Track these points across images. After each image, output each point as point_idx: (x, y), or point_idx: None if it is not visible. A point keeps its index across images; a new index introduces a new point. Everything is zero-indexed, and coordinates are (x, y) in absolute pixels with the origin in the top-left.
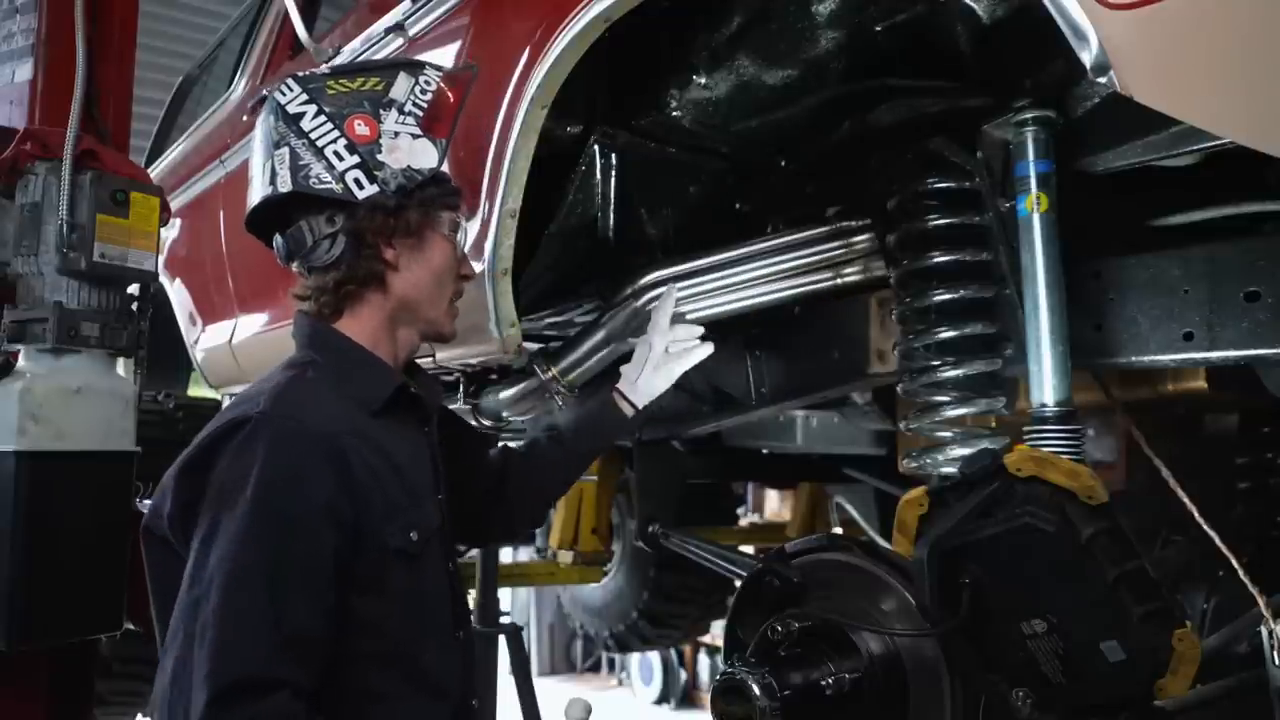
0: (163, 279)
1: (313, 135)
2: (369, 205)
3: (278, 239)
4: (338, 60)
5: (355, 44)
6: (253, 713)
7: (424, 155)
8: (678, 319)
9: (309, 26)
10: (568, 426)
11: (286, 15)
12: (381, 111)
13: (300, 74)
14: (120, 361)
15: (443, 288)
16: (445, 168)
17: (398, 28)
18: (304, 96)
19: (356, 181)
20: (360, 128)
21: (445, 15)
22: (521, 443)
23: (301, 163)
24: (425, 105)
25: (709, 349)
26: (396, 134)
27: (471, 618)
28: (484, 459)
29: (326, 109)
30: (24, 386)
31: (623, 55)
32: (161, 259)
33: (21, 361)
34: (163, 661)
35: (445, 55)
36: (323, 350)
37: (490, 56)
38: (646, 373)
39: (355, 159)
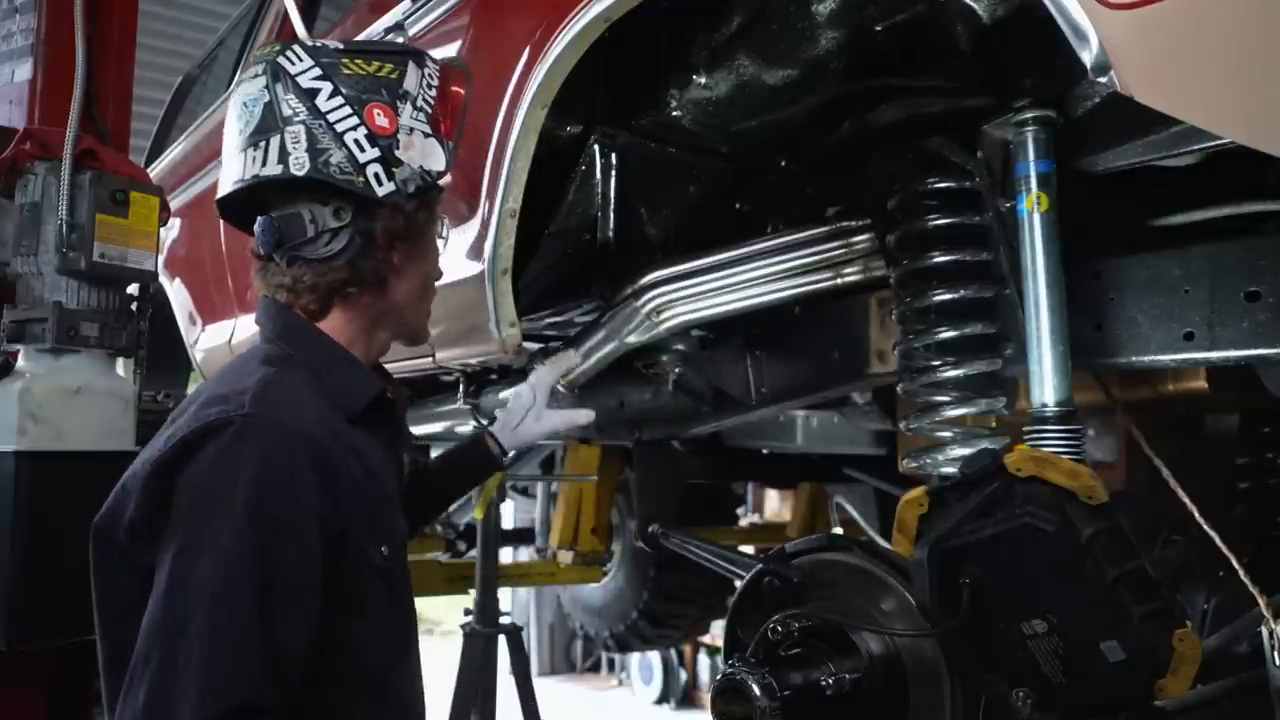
0: (162, 279)
1: (330, 117)
2: (389, 205)
3: (264, 223)
4: None
5: None
6: None
7: (435, 157)
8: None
9: (309, 26)
10: (436, 463)
11: (286, 15)
12: (398, 103)
13: (309, 44)
14: (120, 361)
15: (429, 292)
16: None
17: (397, 27)
18: (317, 70)
19: (377, 177)
20: (380, 119)
21: (445, 15)
22: None
23: (320, 146)
24: (433, 101)
25: (590, 415)
26: (411, 130)
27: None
28: None
29: (344, 90)
30: (24, 386)
31: (623, 55)
32: (161, 259)
33: (21, 361)
34: (131, 690)
35: (445, 55)
36: (297, 345)
37: (490, 56)
38: (528, 422)
39: (376, 152)
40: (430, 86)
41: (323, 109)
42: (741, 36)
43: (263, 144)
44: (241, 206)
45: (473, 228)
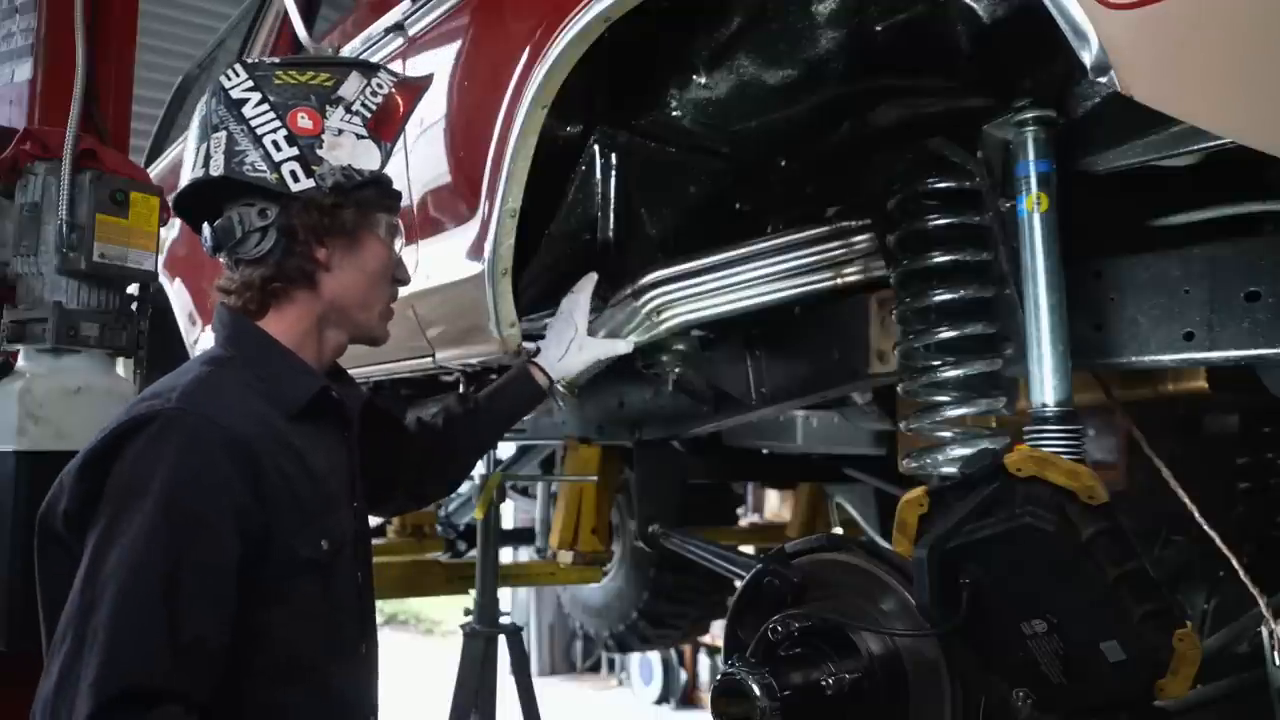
0: (163, 279)
1: (253, 122)
2: (303, 201)
3: (206, 229)
4: None
5: (355, 43)
6: None
7: (366, 156)
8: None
9: (309, 26)
10: (484, 396)
11: (286, 15)
12: (328, 107)
13: (249, 60)
14: (120, 361)
15: (376, 291)
16: (442, 168)
17: (397, 27)
18: (249, 83)
19: (293, 174)
20: (303, 120)
21: (445, 15)
22: (436, 413)
23: (238, 148)
24: (374, 107)
25: (630, 345)
26: (340, 131)
27: (377, 631)
28: (404, 439)
29: (271, 98)
30: (24, 386)
31: (623, 55)
32: (161, 259)
33: (21, 361)
34: (48, 665)
35: (445, 55)
36: (243, 347)
37: (490, 56)
38: (572, 351)
39: (294, 151)
40: (375, 94)
41: (246, 115)
42: (741, 37)
43: (197, 153)
44: (199, 217)
45: (473, 228)
